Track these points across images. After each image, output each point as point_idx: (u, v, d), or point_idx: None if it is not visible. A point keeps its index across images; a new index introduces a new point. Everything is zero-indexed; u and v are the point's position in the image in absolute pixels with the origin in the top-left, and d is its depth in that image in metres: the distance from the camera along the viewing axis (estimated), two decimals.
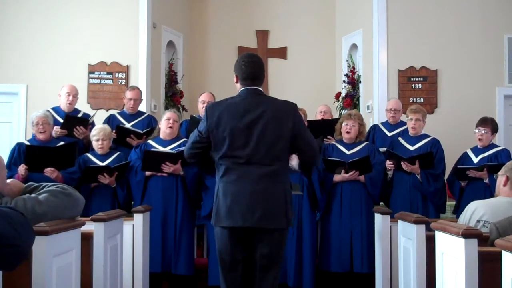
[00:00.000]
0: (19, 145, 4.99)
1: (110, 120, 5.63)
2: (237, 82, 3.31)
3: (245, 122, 3.16)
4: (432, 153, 5.03)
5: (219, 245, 3.26)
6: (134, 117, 5.70)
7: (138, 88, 5.82)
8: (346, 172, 4.89)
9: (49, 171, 4.69)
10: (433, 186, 5.06)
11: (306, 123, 4.74)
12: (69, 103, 5.45)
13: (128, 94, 5.68)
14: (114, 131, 5.26)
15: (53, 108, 5.47)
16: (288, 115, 3.20)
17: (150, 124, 5.58)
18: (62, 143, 4.94)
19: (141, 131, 5.34)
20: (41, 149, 4.77)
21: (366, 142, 5.26)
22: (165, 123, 5.01)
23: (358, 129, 5.10)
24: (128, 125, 5.54)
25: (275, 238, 3.19)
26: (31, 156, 4.69)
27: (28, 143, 4.92)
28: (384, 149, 5.34)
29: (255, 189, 3.12)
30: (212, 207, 3.31)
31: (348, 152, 5.06)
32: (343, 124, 5.12)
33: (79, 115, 5.51)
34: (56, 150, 4.77)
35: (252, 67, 3.25)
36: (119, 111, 6.02)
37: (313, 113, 6.04)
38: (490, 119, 5.26)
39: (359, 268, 4.87)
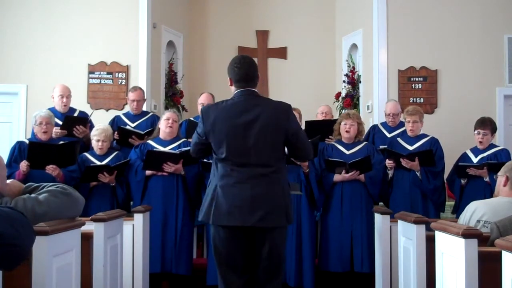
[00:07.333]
0: (20, 143, 4.98)
1: (115, 122, 5.67)
2: (231, 85, 3.34)
3: (241, 124, 3.18)
4: (432, 151, 5.03)
5: (219, 247, 3.25)
6: (138, 117, 5.75)
7: (140, 89, 5.84)
8: (347, 172, 4.90)
9: (50, 169, 4.69)
10: (432, 184, 5.06)
11: (301, 123, 4.76)
12: (64, 105, 5.45)
13: (131, 95, 5.72)
14: (116, 132, 5.28)
15: (49, 109, 5.46)
16: (283, 116, 3.24)
17: (154, 123, 5.58)
18: (62, 142, 4.94)
19: (142, 132, 5.35)
20: (43, 146, 4.76)
21: (365, 142, 5.25)
22: (165, 123, 5.01)
23: (357, 128, 5.10)
24: (131, 126, 5.58)
25: (276, 237, 3.21)
26: (33, 152, 4.68)
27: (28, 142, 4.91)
28: (384, 146, 5.34)
29: (254, 193, 3.14)
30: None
31: (347, 152, 5.06)
32: (342, 123, 5.12)
33: (76, 114, 5.53)
34: (58, 147, 4.77)
35: (244, 68, 3.27)
36: (124, 112, 6.04)
37: (313, 113, 6.03)
38: (488, 120, 5.23)
39: (359, 267, 4.86)
